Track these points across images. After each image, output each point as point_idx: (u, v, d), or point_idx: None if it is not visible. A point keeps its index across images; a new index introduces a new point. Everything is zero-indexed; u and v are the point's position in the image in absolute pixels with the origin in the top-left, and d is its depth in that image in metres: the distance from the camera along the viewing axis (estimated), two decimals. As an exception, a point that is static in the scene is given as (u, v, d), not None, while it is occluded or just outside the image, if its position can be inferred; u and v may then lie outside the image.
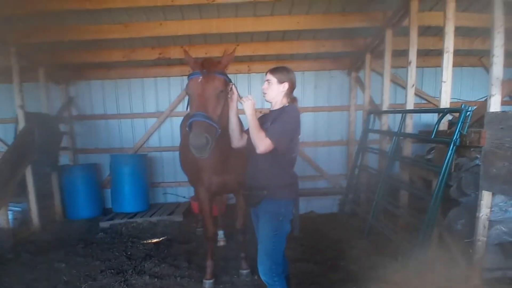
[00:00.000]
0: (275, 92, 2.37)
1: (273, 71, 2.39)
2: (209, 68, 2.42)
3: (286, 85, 2.36)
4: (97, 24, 4.73)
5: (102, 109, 6.51)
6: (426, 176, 3.84)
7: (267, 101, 2.45)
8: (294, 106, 2.40)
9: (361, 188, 5.40)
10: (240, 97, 2.43)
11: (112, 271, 3.71)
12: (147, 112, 6.51)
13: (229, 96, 2.47)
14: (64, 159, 6.37)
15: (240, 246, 3.56)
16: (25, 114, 5.01)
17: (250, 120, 2.25)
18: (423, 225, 3.34)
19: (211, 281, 3.32)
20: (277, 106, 2.41)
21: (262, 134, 2.21)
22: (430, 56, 5.95)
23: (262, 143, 2.19)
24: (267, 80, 2.39)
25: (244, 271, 3.50)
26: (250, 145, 2.35)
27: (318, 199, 5.88)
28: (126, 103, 6.50)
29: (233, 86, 2.50)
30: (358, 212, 5.18)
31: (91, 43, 5.20)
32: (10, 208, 5.11)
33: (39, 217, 5.19)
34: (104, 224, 5.37)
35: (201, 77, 2.39)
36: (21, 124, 4.99)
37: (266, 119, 2.39)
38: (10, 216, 4.92)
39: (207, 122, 2.26)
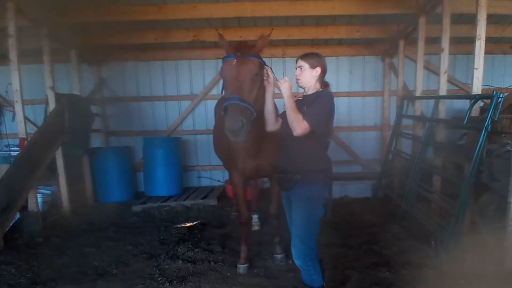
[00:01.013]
0: (308, 78, 2.41)
1: (304, 57, 2.42)
2: (243, 51, 2.44)
3: (318, 70, 2.40)
4: (131, 5, 4.77)
5: (135, 91, 6.56)
6: (458, 162, 3.96)
7: (300, 87, 2.50)
8: (329, 91, 2.44)
9: (394, 173, 5.48)
10: (276, 80, 2.46)
11: (145, 255, 3.73)
12: (181, 94, 6.56)
13: (265, 79, 2.49)
14: (96, 141, 6.44)
15: (275, 231, 3.60)
16: (56, 95, 5.03)
17: (288, 102, 2.27)
18: (455, 209, 3.40)
19: (245, 265, 3.37)
20: (310, 91, 2.44)
21: (300, 116, 2.22)
22: (462, 44, 5.77)
23: (300, 126, 2.22)
24: (299, 66, 2.42)
25: (279, 256, 3.56)
26: (284, 129, 2.39)
27: (352, 183, 6.01)
28: (160, 85, 6.56)
29: (269, 69, 2.51)
30: (391, 196, 5.21)
31: (124, 24, 5.22)
32: (39, 191, 5.17)
33: (69, 200, 5.21)
34: (136, 208, 5.41)
35: (235, 60, 2.41)
36: (52, 106, 5.01)
37: (300, 104, 2.39)
38: (39, 199, 4.89)
39: (243, 105, 2.29)
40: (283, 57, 6.39)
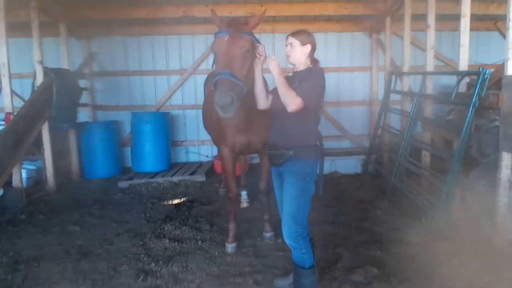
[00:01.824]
0: (298, 54, 2.26)
1: (294, 34, 2.28)
2: (236, 27, 2.28)
3: (308, 47, 2.24)
4: None
5: (124, 66, 6.14)
6: (447, 137, 3.74)
7: (290, 63, 2.33)
8: (320, 67, 2.29)
9: (383, 148, 5.25)
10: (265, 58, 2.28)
11: (130, 234, 3.38)
12: (170, 69, 6.18)
13: (257, 57, 2.31)
14: (83, 115, 5.95)
15: (264, 208, 3.29)
16: (44, 69, 4.68)
17: (278, 79, 2.12)
18: (445, 185, 3.21)
19: (234, 244, 3.06)
20: (301, 67, 2.29)
21: (293, 92, 2.07)
22: (447, 20, 5.63)
23: (293, 101, 2.06)
24: (290, 43, 2.26)
25: (268, 234, 3.24)
26: (276, 105, 2.24)
27: (342, 159, 5.73)
28: (149, 60, 6.17)
29: (262, 47, 2.33)
30: (381, 172, 5.00)
31: None
32: (24, 166, 4.86)
33: (54, 176, 4.78)
34: (122, 184, 4.96)
35: (227, 36, 2.24)
36: (39, 80, 4.66)
37: (291, 81, 2.23)
38: (24, 175, 4.63)
39: (233, 80, 2.12)
40: (272, 33, 6.10)
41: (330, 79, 5.94)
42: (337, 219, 3.68)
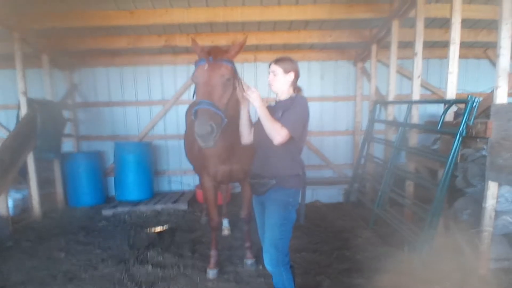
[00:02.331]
0: (281, 83, 2.30)
1: (277, 61, 2.31)
2: (216, 56, 2.32)
3: (291, 75, 2.29)
4: (102, 10, 4.61)
5: (107, 96, 6.38)
6: (432, 167, 3.79)
7: (273, 91, 2.38)
8: (303, 96, 2.34)
9: (366, 178, 5.32)
10: (244, 90, 2.33)
11: (114, 260, 3.59)
12: (152, 100, 6.40)
13: (238, 91, 2.38)
14: (67, 146, 6.24)
15: (245, 236, 3.47)
16: (28, 100, 4.90)
17: (261, 112, 2.15)
18: (428, 214, 3.28)
19: (215, 270, 3.23)
20: (283, 96, 2.34)
21: (278, 124, 2.12)
22: (436, 48, 5.92)
23: (279, 134, 2.11)
24: (272, 71, 2.31)
25: (249, 261, 3.40)
26: (258, 135, 2.31)
27: (324, 188, 5.80)
28: (131, 91, 6.39)
29: (242, 81, 2.43)
30: (363, 201, 5.08)
31: (96, 29, 5.12)
32: (10, 194, 5.05)
33: (40, 204, 5.05)
34: (107, 212, 5.22)
35: (207, 65, 2.29)
36: (23, 110, 4.88)
37: (274, 110, 2.30)
38: (10, 203, 4.85)
39: (212, 110, 2.17)
40: (254, 62, 6.26)
41: (314, 108, 6.02)
42: (319, 248, 3.83)
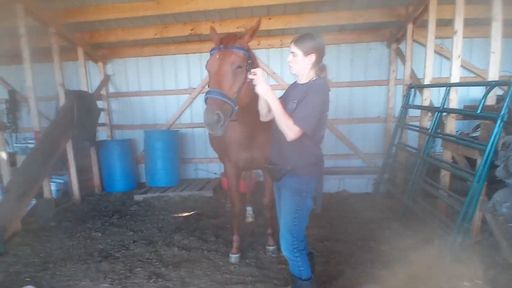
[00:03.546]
0: (301, 66, 2.22)
1: (297, 42, 2.20)
2: (227, 43, 2.33)
3: (312, 57, 2.18)
4: (131, 2, 4.85)
5: (137, 86, 6.73)
6: (470, 155, 3.56)
7: (292, 74, 2.31)
8: (321, 81, 2.21)
9: (398, 168, 5.19)
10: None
11: (144, 241, 3.95)
12: (179, 88, 6.61)
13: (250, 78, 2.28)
14: (102, 135, 6.74)
15: (267, 223, 3.59)
16: (65, 92, 5.34)
17: (273, 106, 2.12)
18: (463, 206, 3.17)
19: (237, 255, 3.41)
20: (303, 79, 2.27)
21: (290, 122, 2.09)
22: (479, 25, 5.40)
23: (291, 130, 2.10)
24: (292, 52, 2.22)
25: (271, 247, 3.55)
26: (274, 122, 2.26)
27: (351, 178, 5.73)
28: (160, 80, 6.65)
29: (258, 71, 2.30)
30: (393, 192, 4.96)
31: (125, 21, 5.42)
32: (53, 180, 5.67)
33: (79, 189, 5.59)
34: (138, 198, 5.66)
35: (218, 53, 2.32)
36: (62, 101, 5.33)
37: (290, 93, 2.30)
38: (53, 188, 5.41)
39: (220, 99, 2.18)
40: (281, 47, 6.13)
41: (343, 94, 6.05)
42: (342, 237, 3.89)
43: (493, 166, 3.07)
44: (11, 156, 4.85)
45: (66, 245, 3.92)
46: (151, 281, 3.06)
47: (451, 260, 3.13)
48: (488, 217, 3.35)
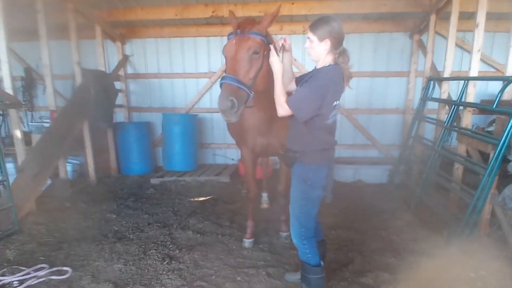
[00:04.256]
0: (317, 51, 2.22)
1: (312, 27, 2.19)
2: (244, 28, 2.35)
3: (328, 42, 2.16)
4: None
5: (156, 68, 6.81)
6: (483, 149, 3.65)
7: (311, 60, 2.33)
8: (331, 68, 2.20)
9: (413, 160, 5.33)
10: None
11: (159, 224, 4.14)
12: (199, 72, 6.70)
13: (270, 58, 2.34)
14: (119, 116, 6.91)
15: (282, 209, 3.75)
16: (82, 71, 5.41)
17: (275, 78, 2.24)
18: (473, 199, 3.31)
19: (251, 240, 3.61)
20: (319, 64, 2.27)
21: (282, 99, 2.20)
22: (503, 20, 5.47)
23: (281, 107, 2.21)
24: (308, 37, 2.22)
25: (284, 234, 3.74)
26: None
27: (367, 168, 5.88)
28: (179, 62, 6.73)
29: (280, 41, 2.44)
30: (408, 184, 5.12)
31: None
32: (69, 161, 5.83)
33: (95, 171, 5.82)
34: (154, 181, 5.88)
35: (235, 39, 2.35)
36: (78, 80, 5.41)
37: (305, 77, 2.35)
38: (69, 168, 5.62)
39: (235, 85, 2.24)
40: (303, 34, 6.11)
41: (363, 84, 6.15)
42: (354, 226, 4.09)
43: (505, 161, 3.17)
44: (26, 135, 4.98)
45: (80, 225, 4.11)
46: (165, 263, 3.24)
47: (458, 251, 3.29)
48: (498, 210, 3.47)
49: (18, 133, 4.42)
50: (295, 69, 6.08)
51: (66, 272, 3.09)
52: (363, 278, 2.97)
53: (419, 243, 3.61)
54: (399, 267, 3.14)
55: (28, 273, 3.04)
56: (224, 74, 2.37)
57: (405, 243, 3.62)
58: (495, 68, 5.85)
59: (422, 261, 3.20)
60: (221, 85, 2.29)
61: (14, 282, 2.94)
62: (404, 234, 3.82)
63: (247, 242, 3.61)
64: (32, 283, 2.93)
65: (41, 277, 3.00)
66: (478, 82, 4.19)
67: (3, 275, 3.02)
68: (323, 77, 2.17)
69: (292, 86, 2.48)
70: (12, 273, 3.04)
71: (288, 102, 2.19)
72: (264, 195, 4.75)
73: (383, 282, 2.90)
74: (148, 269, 3.17)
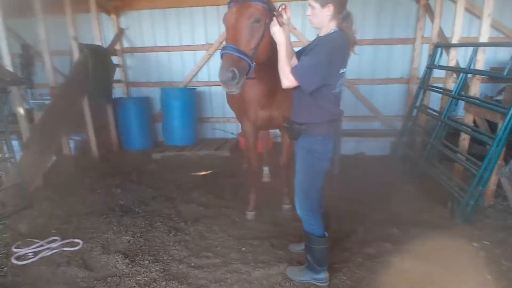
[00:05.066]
0: (319, 18, 2.18)
1: None
2: None
3: (330, 8, 2.12)
4: None
5: (152, 41, 6.73)
6: (492, 119, 3.62)
7: (314, 28, 2.28)
8: (335, 35, 2.15)
9: (417, 131, 5.29)
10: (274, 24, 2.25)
11: (163, 198, 4.25)
12: (196, 44, 6.60)
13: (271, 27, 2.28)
14: (118, 92, 6.90)
15: (284, 182, 3.75)
16: (79, 46, 5.39)
17: (279, 49, 2.19)
18: (479, 170, 3.30)
19: (253, 212, 3.69)
20: (323, 32, 2.23)
21: (287, 69, 2.16)
22: None
23: (286, 78, 2.17)
24: (310, 4, 2.18)
25: (286, 206, 3.79)
26: None
27: (369, 140, 5.83)
28: (175, 35, 6.63)
29: (284, 11, 2.31)
30: (411, 156, 5.09)
31: None
32: (72, 137, 5.90)
33: (97, 147, 5.89)
34: (156, 156, 5.99)
35: (235, 6, 2.30)
36: (76, 56, 5.39)
37: (309, 46, 2.31)
38: (72, 145, 5.69)
39: (236, 55, 2.19)
40: (303, 1, 5.84)
41: (366, 53, 5.99)
42: (357, 198, 4.13)
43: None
44: (28, 113, 4.97)
45: (87, 200, 4.25)
46: (171, 234, 3.39)
47: (462, 222, 3.37)
48: (504, 181, 3.53)
49: (21, 110, 4.50)
50: (294, 38, 6.10)
51: (77, 244, 3.26)
52: (365, 248, 3.03)
53: (422, 214, 3.67)
54: (401, 237, 3.20)
55: (42, 245, 3.23)
56: (224, 44, 2.32)
57: (407, 214, 3.67)
58: (505, 34, 5.63)
59: (424, 232, 3.24)
60: (221, 55, 2.25)
61: (29, 254, 3.11)
62: (407, 205, 3.88)
63: (250, 215, 3.70)
64: (46, 254, 3.10)
65: (54, 248, 3.19)
66: (488, 49, 4.05)
67: (18, 247, 3.20)
68: (328, 44, 2.12)
69: (293, 62, 2.39)
70: (27, 246, 3.21)
71: (293, 72, 2.15)
72: (265, 169, 4.79)
73: (385, 252, 2.97)
74: (156, 241, 3.31)
